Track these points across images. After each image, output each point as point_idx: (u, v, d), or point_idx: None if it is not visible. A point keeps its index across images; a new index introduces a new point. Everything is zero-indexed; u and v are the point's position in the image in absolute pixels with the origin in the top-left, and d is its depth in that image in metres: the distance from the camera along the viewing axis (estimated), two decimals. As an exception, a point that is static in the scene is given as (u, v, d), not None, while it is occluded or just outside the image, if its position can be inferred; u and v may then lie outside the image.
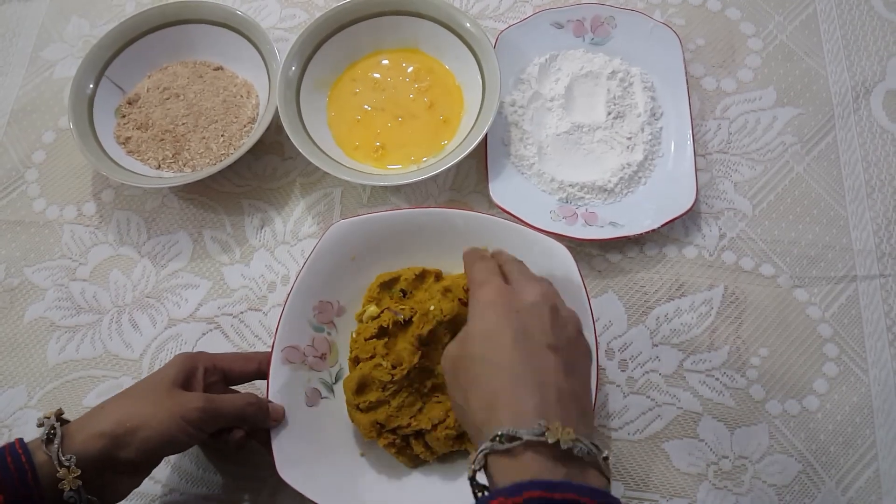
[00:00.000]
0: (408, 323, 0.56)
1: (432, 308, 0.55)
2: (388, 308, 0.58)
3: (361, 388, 0.55)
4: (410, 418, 0.54)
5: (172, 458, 0.60)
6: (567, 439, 0.35)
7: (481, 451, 0.36)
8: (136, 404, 0.49)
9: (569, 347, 0.40)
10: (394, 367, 0.55)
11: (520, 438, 0.35)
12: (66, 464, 0.45)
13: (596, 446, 0.36)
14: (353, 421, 0.56)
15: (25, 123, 0.75)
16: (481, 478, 0.38)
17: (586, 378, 0.41)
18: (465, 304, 0.55)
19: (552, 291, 0.43)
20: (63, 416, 0.48)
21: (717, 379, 0.61)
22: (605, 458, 0.37)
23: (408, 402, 0.55)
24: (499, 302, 0.41)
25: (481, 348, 0.40)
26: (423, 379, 0.56)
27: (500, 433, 0.36)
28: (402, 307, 0.57)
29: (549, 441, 0.35)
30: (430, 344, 0.55)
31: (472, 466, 0.37)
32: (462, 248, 0.59)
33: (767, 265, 0.64)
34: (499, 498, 0.33)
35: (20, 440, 0.46)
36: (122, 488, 0.49)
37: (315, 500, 0.52)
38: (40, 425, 0.47)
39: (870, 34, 0.73)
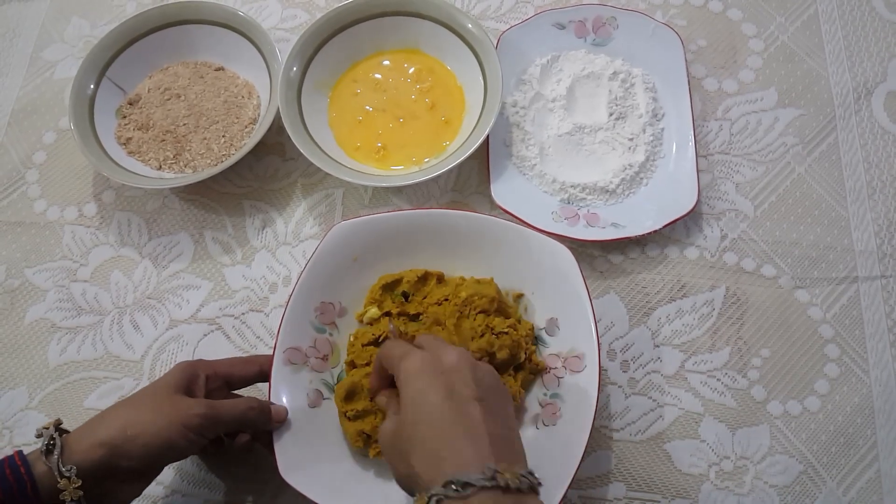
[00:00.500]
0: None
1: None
2: (388, 314, 0.58)
3: (350, 395, 0.56)
4: None
5: (174, 459, 0.60)
6: (514, 478, 0.38)
7: (433, 495, 0.38)
8: (136, 412, 0.49)
9: (491, 396, 0.43)
10: None
11: (473, 485, 0.38)
12: (67, 474, 0.44)
13: (531, 474, 0.40)
14: (342, 427, 0.56)
15: (26, 124, 0.75)
16: None
17: (510, 420, 0.44)
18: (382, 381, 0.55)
19: (467, 354, 0.46)
20: (62, 425, 0.48)
21: (718, 380, 0.61)
22: (539, 484, 0.40)
23: None
24: (424, 368, 0.43)
25: (414, 414, 0.42)
26: None
27: (451, 480, 0.38)
28: (403, 329, 0.56)
29: (501, 483, 0.38)
30: None
31: None
32: (461, 249, 0.60)
33: (769, 266, 0.64)
34: None
35: (19, 452, 0.46)
36: (123, 496, 0.49)
37: (318, 501, 0.52)
38: (39, 436, 0.47)
39: (871, 35, 0.73)
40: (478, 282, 0.59)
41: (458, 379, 0.43)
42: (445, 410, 0.41)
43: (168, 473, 0.60)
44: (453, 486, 0.38)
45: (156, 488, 0.59)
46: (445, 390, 0.42)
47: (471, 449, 0.40)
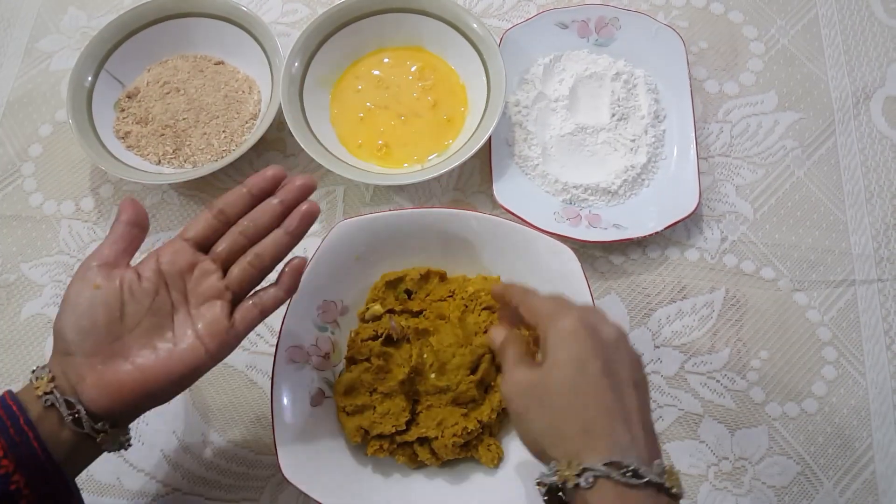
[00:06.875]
0: (402, 340, 0.56)
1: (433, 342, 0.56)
2: (390, 311, 0.58)
3: (349, 390, 0.56)
4: (393, 426, 0.54)
5: (173, 457, 0.60)
6: (677, 484, 0.38)
7: (594, 473, 0.37)
8: None
9: (642, 384, 0.42)
10: (385, 374, 0.55)
11: (642, 476, 0.37)
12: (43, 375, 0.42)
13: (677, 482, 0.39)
14: (340, 423, 0.56)
15: (21, 116, 0.74)
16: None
17: (651, 413, 0.43)
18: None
19: (625, 332, 0.44)
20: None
21: (717, 381, 0.61)
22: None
23: (395, 410, 0.55)
24: (582, 332, 0.41)
25: (571, 377, 0.40)
26: (415, 389, 0.56)
27: (617, 462, 0.37)
28: (405, 324, 0.56)
29: (667, 485, 0.37)
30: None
31: (579, 482, 0.37)
32: (463, 249, 0.60)
33: (768, 269, 0.65)
34: None
35: (9, 392, 0.43)
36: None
37: (319, 500, 0.52)
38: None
39: (870, 40, 0.74)
40: (485, 279, 0.59)
41: (618, 358, 0.41)
42: (604, 386, 0.40)
43: (168, 471, 0.59)
44: (624, 470, 0.37)
45: (155, 485, 0.59)
46: (604, 365, 0.40)
47: (626, 435, 0.39)
